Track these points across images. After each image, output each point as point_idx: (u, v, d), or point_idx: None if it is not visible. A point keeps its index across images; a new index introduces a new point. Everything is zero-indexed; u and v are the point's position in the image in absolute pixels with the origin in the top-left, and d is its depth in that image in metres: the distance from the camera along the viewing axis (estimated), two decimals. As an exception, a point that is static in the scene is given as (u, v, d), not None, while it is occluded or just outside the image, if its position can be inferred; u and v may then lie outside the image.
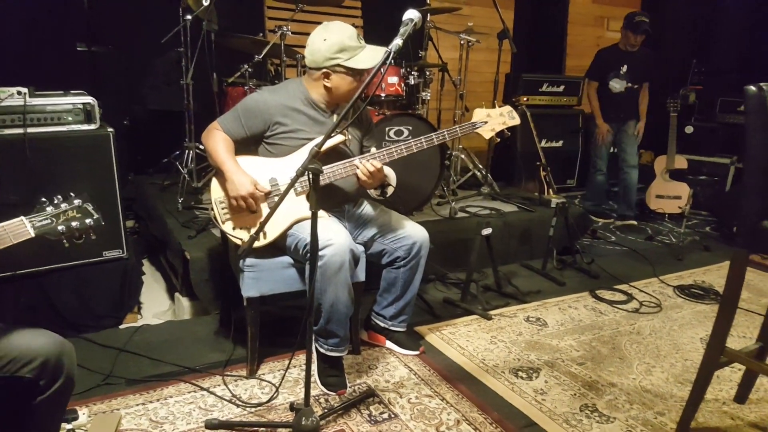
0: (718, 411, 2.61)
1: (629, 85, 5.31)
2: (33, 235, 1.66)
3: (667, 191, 5.69)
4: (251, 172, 2.56)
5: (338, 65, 2.58)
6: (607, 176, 5.63)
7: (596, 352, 3.11)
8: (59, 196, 1.75)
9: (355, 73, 2.61)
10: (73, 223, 1.74)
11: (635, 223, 5.48)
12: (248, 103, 2.65)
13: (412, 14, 2.08)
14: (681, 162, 5.65)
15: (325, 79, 2.63)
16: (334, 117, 2.71)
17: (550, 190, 4.49)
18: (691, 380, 2.43)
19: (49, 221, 1.70)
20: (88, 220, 1.77)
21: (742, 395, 2.69)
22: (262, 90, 2.80)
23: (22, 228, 1.64)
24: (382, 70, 2.04)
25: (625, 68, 5.28)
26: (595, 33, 7.48)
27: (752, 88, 2.07)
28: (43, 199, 1.72)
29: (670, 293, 4.00)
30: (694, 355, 3.11)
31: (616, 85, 5.31)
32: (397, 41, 2.03)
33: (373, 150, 2.70)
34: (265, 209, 2.60)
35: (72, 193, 1.77)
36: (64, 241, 1.74)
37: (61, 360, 1.65)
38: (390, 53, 2.00)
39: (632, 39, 5.17)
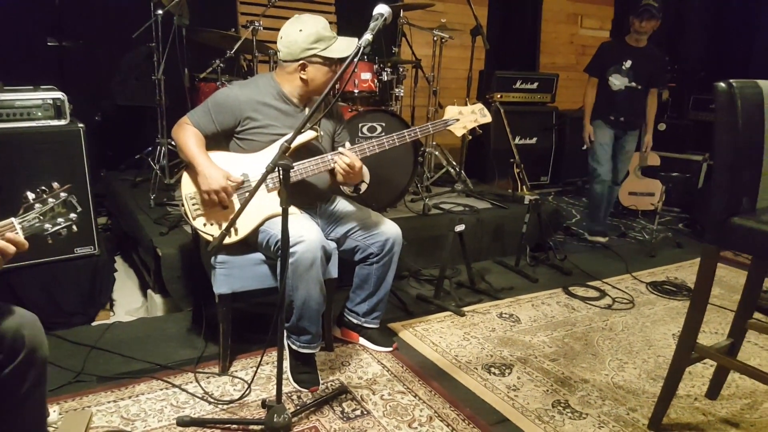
0: (690, 407, 2.64)
1: (631, 84, 4.65)
2: (22, 237, 1.57)
3: (640, 188, 5.75)
4: (222, 168, 2.54)
5: (315, 55, 2.58)
6: (609, 186, 4.91)
7: (569, 349, 3.13)
8: (44, 188, 1.65)
9: (331, 63, 2.62)
10: (59, 219, 1.67)
11: (604, 240, 4.99)
12: (218, 98, 2.62)
13: (382, 9, 2.08)
14: (654, 159, 5.69)
15: (301, 71, 2.62)
16: (306, 111, 2.70)
17: (524, 187, 4.50)
18: (663, 376, 2.45)
19: (37, 221, 1.61)
20: (72, 215, 1.69)
21: (713, 391, 2.71)
22: (231, 85, 2.78)
23: (12, 231, 1.55)
24: (354, 61, 2.04)
25: (629, 63, 4.62)
26: (569, 30, 7.53)
27: (722, 84, 2.08)
28: (29, 194, 1.63)
29: (642, 290, 4.04)
30: (666, 351, 3.13)
31: (616, 81, 4.67)
32: (367, 36, 2.04)
33: (347, 146, 2.69)
34: (236, 205, 2.57)
35: (55, 184, 1.68)
36: (49, 239, 1.66)
37: (20, 332, 1.57)
38: (360, 48, 2.00)
39: (637, 26, 4.50)
